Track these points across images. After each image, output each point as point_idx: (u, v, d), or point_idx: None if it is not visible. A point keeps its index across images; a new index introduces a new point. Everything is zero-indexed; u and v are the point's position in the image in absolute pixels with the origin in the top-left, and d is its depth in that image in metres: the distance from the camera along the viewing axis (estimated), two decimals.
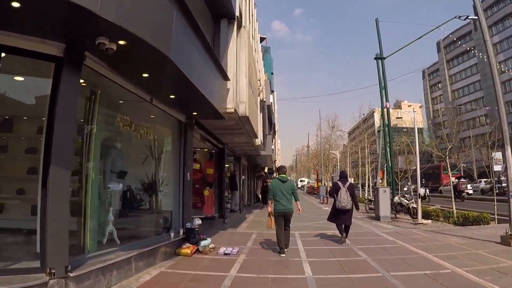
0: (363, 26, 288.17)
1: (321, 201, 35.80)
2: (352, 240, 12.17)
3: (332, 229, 13.51)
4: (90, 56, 6.36)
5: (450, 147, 20.35)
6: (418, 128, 19.40)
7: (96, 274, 6.48)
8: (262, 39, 39.23)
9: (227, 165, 24.96)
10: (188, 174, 11.29)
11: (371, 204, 23.54)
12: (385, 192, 19.33)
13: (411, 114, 20.47)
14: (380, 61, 24.91)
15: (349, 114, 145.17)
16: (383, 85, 24.78)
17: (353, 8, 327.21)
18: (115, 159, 8.60)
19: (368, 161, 37.26)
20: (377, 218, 19.13)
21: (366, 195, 33.76)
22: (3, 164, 7.36)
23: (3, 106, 6.96)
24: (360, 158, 41.59)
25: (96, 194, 7.77)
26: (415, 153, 19.66)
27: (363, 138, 40.47)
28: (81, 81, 6.29)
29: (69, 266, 5.73)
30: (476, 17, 13.70)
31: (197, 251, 10.14)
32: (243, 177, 26.32)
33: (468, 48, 50.68)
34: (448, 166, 20.21)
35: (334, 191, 11.74)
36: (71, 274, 5.73)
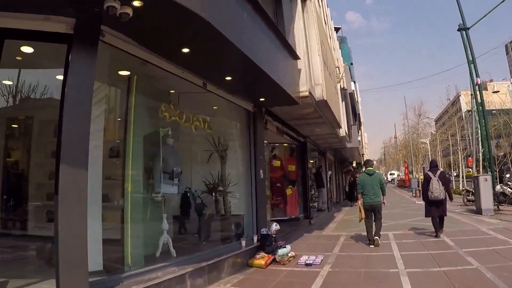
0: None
1: (413, 195, 32.93)
2: (456, 240, 10.09)
3: (431, 227, 11.47)
4: (109, 30, 4.96)
5: None
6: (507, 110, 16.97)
7: None
8: (337, 29, 36.90)
9: (311, 161, 23.15)
10: (261, 171, 9.64)
11: (469, 196, 20.70)
12: (486, 181, 16.34)
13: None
14: (464, 32, 21.71)
15: (435, 100, 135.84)
16: (470, 58, 21.62)
17: None
18: (166, 157, 7.18)
19: (460, 148, 34.06)
20: (478, 211, 16.32)
21: (460, 186, 30.89)
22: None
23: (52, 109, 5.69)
24: (451, 146, 38.31)
25: (140, 199, 6.53)
26: None
27: (452, 123, 37.21)
28: (105, 63, 5.10)
29: None
30: None
31: (274, 261, 8.47)
32: (329, 172, 24.27)
33: None
34: None
35: (425, 183, 11.13)
36: None
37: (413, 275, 6.97)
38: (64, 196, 4.27)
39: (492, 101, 30.09)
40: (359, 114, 38.24)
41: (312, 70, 10.35)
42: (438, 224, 10.96)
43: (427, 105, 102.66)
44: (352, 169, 40.59)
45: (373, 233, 10.28)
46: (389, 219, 15.00)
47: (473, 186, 19.37)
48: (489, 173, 19.50)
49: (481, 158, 26.06)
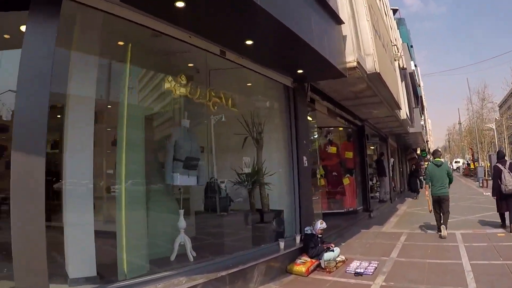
0: None
1: (480, 185, 29.51)
2: None
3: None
4: None
5: None
6: None
7: None
8: (394, 11, 34.43)
9: (372, 147, 21.22)
10: (305, 158, 8.00)
11: None
12: None
13: None
14: None
15: (499, 83, 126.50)
16: None
17: None
18: (180, 142, 5.79)
19: None
20: None
21: None
22: None
23: None
24: None
25: (139, 192, 5.21)
26: None
27: None
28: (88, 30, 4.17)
29: None
30: None
31: (318, 266, 6.86)
32: (392, 160, 22.10)
33: None
34: None
35: (497, 176, 10.03)
36: None
37: None
38: (15, 191, 3.41)
39: None
40: (421, 97, 35.33)
41: (361, 38, 8.57)
42: (504, 218, 10.19)
43: (490, 89, 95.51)
44: (416, 157, 37.96)
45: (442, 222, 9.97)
46: (456, 214, 12.98)
47: None
48: None
49: None
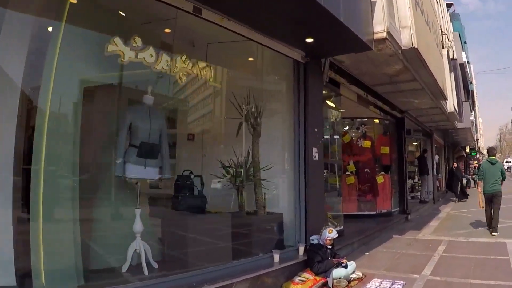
0: None
1: None
2: None
3: None
4: None
5: None
6: None
7: None
8: (449, 5, 32.27)
9: (415, 143, 19.22)
10: (315, 150, 6.38)
11: None
12: None
13: None
14: None
15: None
16: None
17: None
18: (136, 123, 4.39)
19: None
20: None
21: None
22: None
23: None
24: None
25: (65, 187, 3.87)
26: None
27: None
28: None
29: None
30: None
31: (325, 286, 5.34)
32: (436, 157, 19.89)
33: None
34: None
35: None
36: None
37: None
38: None
39: None
40: (472, 91, 32.58)
41: (396, 6, 6.95)
42: None
43: None
44: (465, 155, 35.33)
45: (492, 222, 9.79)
46: (507, 218, 11.18)
47: None
48: None
49: None
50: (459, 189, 18.26)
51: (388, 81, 9.08)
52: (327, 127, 9.20)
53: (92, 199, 4.27)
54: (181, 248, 5.04)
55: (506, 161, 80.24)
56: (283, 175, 6.55)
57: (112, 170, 4.38)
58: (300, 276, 5.36)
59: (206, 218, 5.49)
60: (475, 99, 57.19)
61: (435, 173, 18.78)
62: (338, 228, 8.35)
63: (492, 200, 9.85)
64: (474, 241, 8.70)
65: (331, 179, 9.88)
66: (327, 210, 8.50)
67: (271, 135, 6.54)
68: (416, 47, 7.03)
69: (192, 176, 5.61)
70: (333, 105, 8.88)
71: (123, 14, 4.67)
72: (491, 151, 10.91)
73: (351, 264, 5.72)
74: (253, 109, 6.05)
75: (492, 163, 10.08)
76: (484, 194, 10.05)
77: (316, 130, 6.40)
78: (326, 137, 9.26)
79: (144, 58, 4.12)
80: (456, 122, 17.88)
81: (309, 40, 5.68)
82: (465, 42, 44.85)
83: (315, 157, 6.29)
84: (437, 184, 21.82)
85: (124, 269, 4.21)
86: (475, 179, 28.44)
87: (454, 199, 18.22)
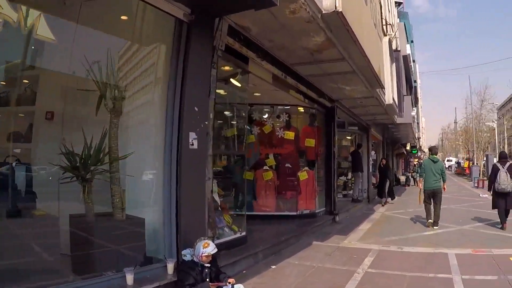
0: None
1: (475, 185, 27.60)
2: None
3: None
4: None
5: None
6: None
7: None
8: (398, 4, 32.36)
9: (349, 137, 18.29)
10: (193, 136, 4.93)
11: None
12: None
13: None
14: None
15: (502, 86, 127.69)
16: None
17: None
18: None
19: None
20: None
21: None
22: None
23: None
24: None
25: None
26: None
27: None
28: None
29: None
30: None
31: None
32: (373, 153, 19.07)
33: None
34: None
35: (493, 174, 10.53)
36: None
37: None
38: None
39: None
40: (415, 87, 32.49)
41: None
42: (505, 216, 10.25)
43: (492, 91, 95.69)
44: (405, 152, 35.37)
45: (432, 216, 10.60)
46: (449, 221, 11.14)
47: None
48: None
49: None
50: (387, 189, 16.82)
51: (311, 59, 7.82)
52: (233, 113, 7.98)
53: None
54: None
55: (448, 160, 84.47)
56: (151, 168, 5.10)
57: None
58: None
59: (24, 222, 3.96)
60: (418, 97, 58.60)
61: (370, 170, 18.00)
62: (238, 234, 7.09)
63: (433, 197, 10.61)
64: (410, 252, 7.75)
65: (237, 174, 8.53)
66: (225, 211, 7.20)
67: (141, 115, 5.08)
68: (340, 10, 5.73)
69: (14, 165, 4.09)
70: (238, 85, 7.50)
71: None
72: (433, 149, 12.07)
73: None
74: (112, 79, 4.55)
75: (434, 161, 10.87)
76: (425, 190, 10.76)
77: (196, 109, 4.98)
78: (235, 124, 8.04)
79: None
80: (396, 116, 17.16)
81: None
82: (411, 41, 46.29)
83: (192, 144, 4.87)
84: (374, 182, 21.25)
85: None
86: (415, 177, 28.43)
87: (382, 201, 16.54)
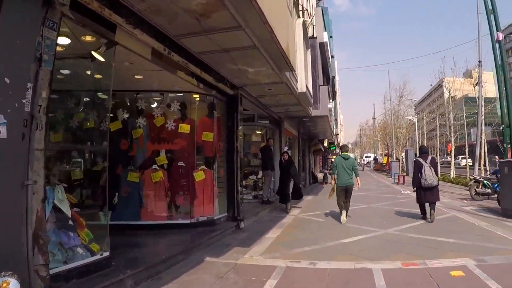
0: None
1: (396, 181, 27.81)
2: None
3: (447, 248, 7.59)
4: None
5: None
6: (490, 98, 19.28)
7: None
8: None
9: (259, 132, 17.08)
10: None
11: (478, 187, 16.29)
12: None
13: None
14: None
15: (421, 83, 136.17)
16: (490, 7, 16.26)
17: None
18: None
19: (452, 131, 29.26)
20: (508, 213, 11.24)
21: (452, 174, 28.50)
22: None
23: None
24: (438, 128, 35.43)
25: None
26: None
27: (441, 104, 36.35)
28: None
29: None
30: None
31: None
32: (285, 148, 18.00)
33: None
34: None
35: (417, 170, 10.91)
36: None
37: None
38: None
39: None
40: (333, 80, 32.16)
41: None
42: (425, 209, 11.11)
43: (412, 86, 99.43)
44: (322, 149, 35.08)
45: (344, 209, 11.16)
46: (370, 224, 10.54)
47: (486, 175, 17.59)
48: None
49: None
50: (291, 189, 14.19)
51: (198, 28, 6.33)
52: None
53: None
54: None
55: (366, 156, 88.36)
56: None
57: None
58: None
59: None
60: (337, 91, 59.57)
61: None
62: (98, 256, 5.52)
63: (345, 192, 11.30)
64: (325, 268, 6.49)
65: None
66: (80, 226, 5.60)
67: None
68: None
69: None
70: (102, 59, 5.90)
71: None
72: (344, 147, 13.26)
73: None
74: None
75: (345, 159, 11.50)
76: (338, 186, 11.32)
77: (8, 81, 3.39)
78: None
79: None
80: (311, 108, 16.19)
81: None
82: (331, 37, 47.07)
83: None
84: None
85: None
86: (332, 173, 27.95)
87: (286, 207, 13.69)
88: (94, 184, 6.65)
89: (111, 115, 7.53)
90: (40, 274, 4.07)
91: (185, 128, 9.51)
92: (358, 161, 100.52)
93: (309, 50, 14.49)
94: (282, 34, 7.93)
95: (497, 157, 23.27)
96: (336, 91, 44.97)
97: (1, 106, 3.46)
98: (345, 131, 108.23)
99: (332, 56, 49.07)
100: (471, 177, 18.31)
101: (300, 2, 13.16)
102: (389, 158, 45.53)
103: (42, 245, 4.14)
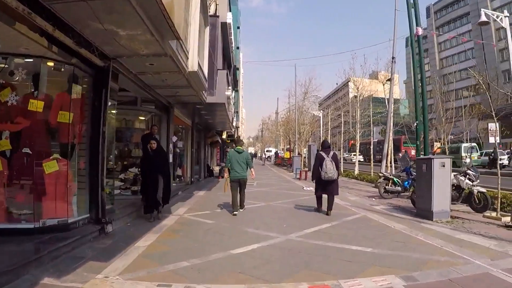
0: None
1: (297, 177, 27.38)
2: None
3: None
4: None
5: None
6: (395, 99, 19.83)
7: None
8: None
9: (143, 118, 15.17)
10: None
11: (388, 185, 16.07)
12: (444, 167, 10.60)
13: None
14: None
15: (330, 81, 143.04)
16: (412, 1, 15.93)
17: None
18: None
19: (359, 127, 29.41)
20: (424, 213, 10.78)
21: (356, 170, 28.26)
22: None
23: None
24: (342, 124, 36.44)
25: None
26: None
27: (346, 102, 38.45)
28: None
29: None
30: None
31: None
32: (174, 139, 16.10)
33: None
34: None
35: (318, 163, 11.41)
36: None
37: None
38: None
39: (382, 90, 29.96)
40: (235, 66, 30.80)
41: None
42: (321, 202, 11.76)
43: (317, 83, 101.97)
44: (220, 141, 33.77)
45: (238, 203, 11.69)
46: (270, 229, 9.15)
47: (398, 171, 17.43)
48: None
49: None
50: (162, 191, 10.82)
51: None
52: None
53: None
54: None
55: (267, 151, 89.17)
56: None
57: None
58: None
59: None
60: (240, 83, 59.04)
61: (170, 160, 15.07)
62: None
63: (239, 185, 11.71)
64: None
65: None
66: None
67: None
68: None
69: None
70: None
71: None
72: (238, 141, 13.53)
73: None
74: None
75: (239, 152, 11.80)
76: (232, 179, 11.65)
77: None
78: None
79: None
80: (205, 93, 14.53)
81: None
82: (238, 27, 46.72)
83: None
84: (179, 174, 19.35)
85: None
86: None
87: (150, 217, 10.39)
88: None
89: None
90: None
91: (36, 105, 7.45)
92: (259, 155, 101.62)
93: (208, 27, 12.92)
94: None
95: (404, 151, 23.67)
96: (238, 81, 43.82)
97: None
98: (248, 125, 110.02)
99: (238, 48, 48.54)
100: (380, 174, 17.79)
101: None
102: (291, 152, 45.64)
103: None
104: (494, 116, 12.48)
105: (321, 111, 46.31)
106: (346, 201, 14.27)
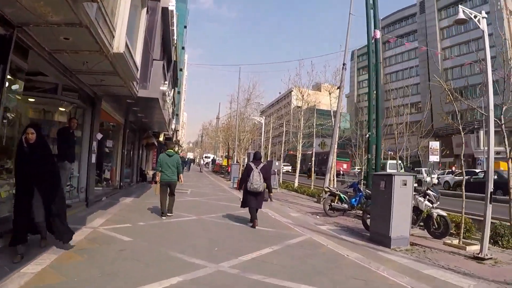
0: None
1: (235, 186, 25.83)
2: None
3: None
4: None
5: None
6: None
7: None
8: None
9: (63, 109, 13.21)
10: None
11: (334, 201, 14.64)
12: (406, 185, 9.45)
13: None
14: None
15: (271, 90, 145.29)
16: (371, 1, 16.17)
17: None
18: None
19: (300, 137, 28.97)
20: (379, 239, 9.59)
21: (296, 183, 28.02)
22: None
23: None
24: (284, 134, 38.23)
25: None
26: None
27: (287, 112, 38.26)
28: None
29: None
30: None
31: None
32: (98, 136, 14.18)
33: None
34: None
35: (246, 173, 11.55)
36: None
37: None
38: None
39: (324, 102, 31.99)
40: (175, 61, 29.07)
41: None
42: (255, 214, 11.30)
43: (260, 90, 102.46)
44: (156, 143, 32.10)
45: (166, 206, 11.87)
46: (199, 254, 7.45)
47: (348, 189, 16.19)
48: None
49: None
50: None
51: None
52: None
53: None
54: None
55: (205, 157, 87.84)
56: None
57: None
58: None
59: None
60: (183, 84, 57.77)
61: (93, 161, 13.23)
62: None
63: (169, 188, 11.90)
64: None
65: None
66: None
67: None
68: None
69: None
70: None
71: None
72: (169, 145, 19.33)
73: None
74: None
75: (169, 156, 12.11)
76: (161, 182, 11.81)
77: None
78: None
79: None
80: (136, 84, 12.85)
81: None
82: (185, 26, 45.79)
83: None
84: (108, 177, 17.99)
85: None
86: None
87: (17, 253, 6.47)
88: None
89: None
90: None
91: None
92: (197, 161, 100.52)
93: (145, 9, 11.34)
94: None
95: (357, 167, 23.55)
96: (178, 80, 42.31)
97: None
98: (188, 130, 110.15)
99: (183, 48, 47.28)
100: (326, 188, 16.59)
101: None
102: (230, 160, 44.70)
103: None
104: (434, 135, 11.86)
105: (263, 118, 45.18)
106: (287, 218, 12.96)
